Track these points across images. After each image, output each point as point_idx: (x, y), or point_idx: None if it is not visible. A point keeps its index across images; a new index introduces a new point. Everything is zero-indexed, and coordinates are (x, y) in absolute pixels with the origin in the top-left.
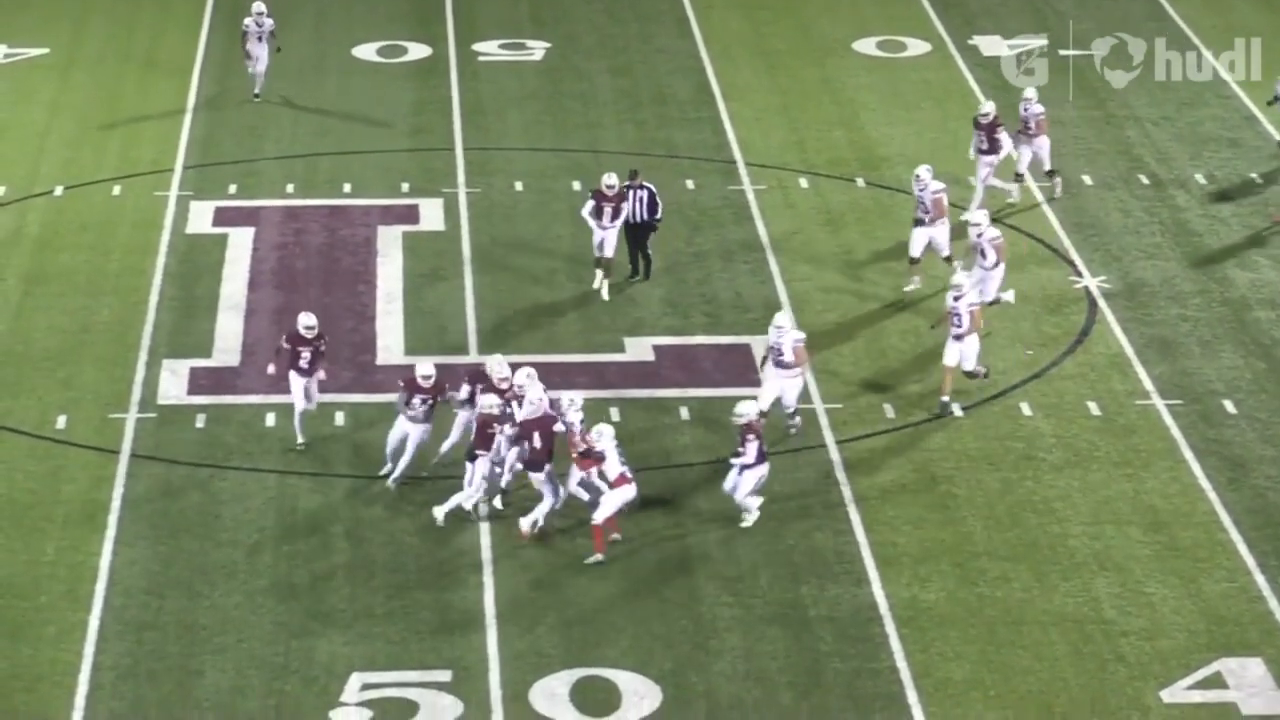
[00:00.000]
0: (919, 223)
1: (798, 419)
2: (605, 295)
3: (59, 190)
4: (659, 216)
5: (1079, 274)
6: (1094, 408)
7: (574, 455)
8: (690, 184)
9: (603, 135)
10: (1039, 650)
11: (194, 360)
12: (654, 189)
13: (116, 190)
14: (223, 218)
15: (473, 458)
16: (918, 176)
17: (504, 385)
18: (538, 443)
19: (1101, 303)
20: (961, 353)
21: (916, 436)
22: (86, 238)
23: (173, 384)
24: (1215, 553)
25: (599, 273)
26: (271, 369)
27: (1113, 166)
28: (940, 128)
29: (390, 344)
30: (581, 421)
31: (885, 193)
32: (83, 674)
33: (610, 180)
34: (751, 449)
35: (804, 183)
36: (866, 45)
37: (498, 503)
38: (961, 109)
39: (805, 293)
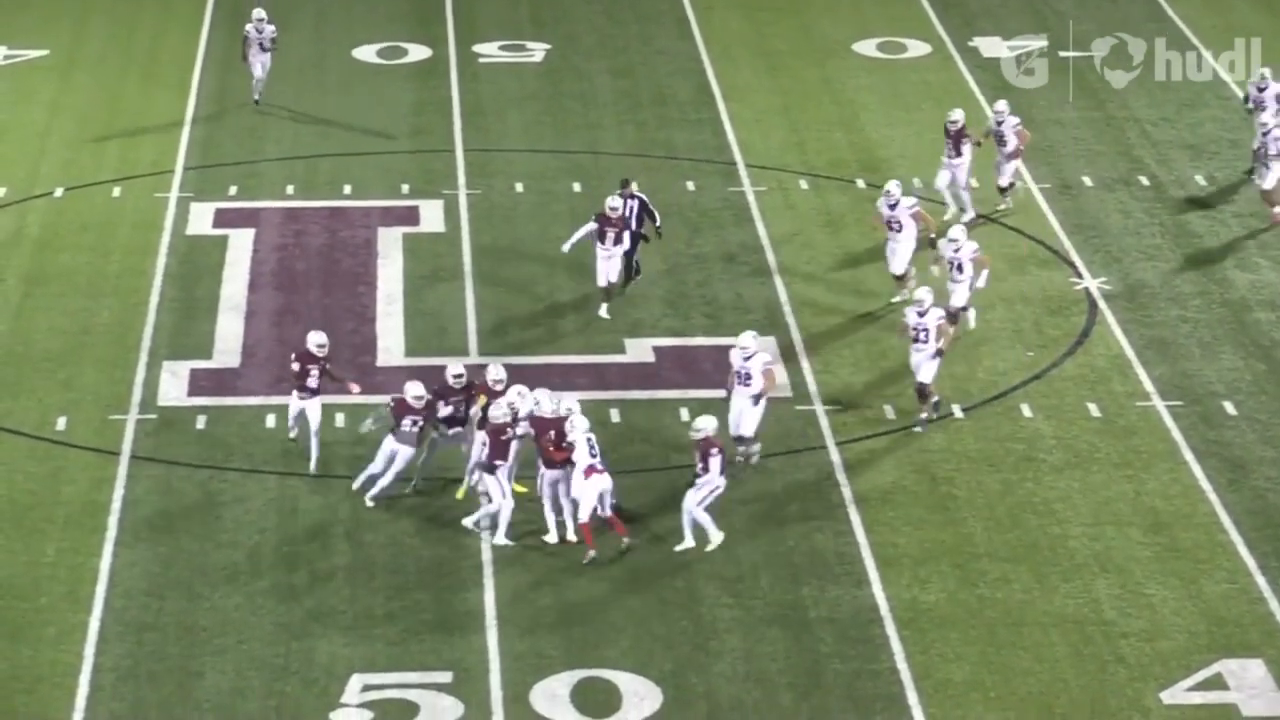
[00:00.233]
0: (891, 240)
1: (757, 447)
2: (606, 315)
3: (59, 191)
4: (658, 225)
5: (1079, 275)
6: (1094, 409)
7: (548, 447)
8: (690, 185)
9: (603, 136)
10: (1039, 651)
11: (194, 362)
12: (646, 199)
13: (117, 191)
14: (223, 219)
15: (492, 469)
16: (888, 192)
17: (498, 388)
18: (550, 442)
19: (1102, 304)
20: (925, 364)
21: (917, 438)
22: (87, 239)
23: (173, 385)
24: (1216, 554)
25: (605, 305)
26: (295, 396)
27: (1113, 168)
28: (940, 129)
29: (390, 345)
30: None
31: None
32: (83, 675)
33: (614, 203)
34: (715, 464)
35: (804, 184)
36: (867, 46)
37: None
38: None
39: (805, 294)
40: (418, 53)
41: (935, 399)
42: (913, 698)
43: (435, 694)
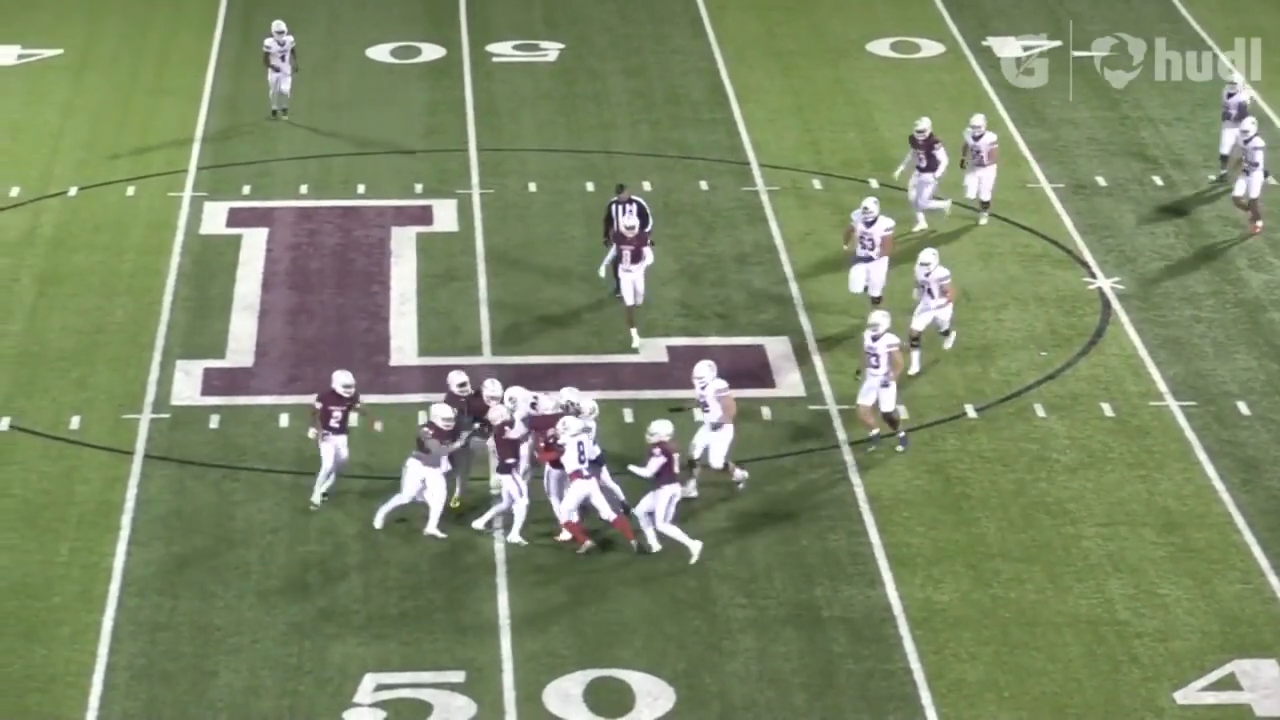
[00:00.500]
0: (861, 258)
1: (739, 474)
2: (638, 344)
3: (73, 191)
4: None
5: (1093, 275)
6: (1108, 409)
7: (539, 447)
8: (704, 185)
9: (616, 136)
10: (1053, 651)
11: (208, 361)
12: (643, 202)
13: (130, 191)
14: (236, 218)
15: (506, 469)
16: (865, 209)
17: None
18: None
19: (1115, 304)
20: (879, 395)
21: (930, 438)
22: (100, 238)
23: (186, 385)
24: (1229, 554)
25: (634, 331)
26: (312, 433)
27: (1126, 168)
28: (954, 129)
29: (404, 345)
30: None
31: (899, 194)
32: (96, 674)
33: (630, 221)
34: (654, 464)
35: (817, 184)
36: (880, 46)
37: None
38: (975, 110)
39: (819, 294)
40: (431, 52)
41: (900, 423)
42: (926, 698)
43: (448, 693)
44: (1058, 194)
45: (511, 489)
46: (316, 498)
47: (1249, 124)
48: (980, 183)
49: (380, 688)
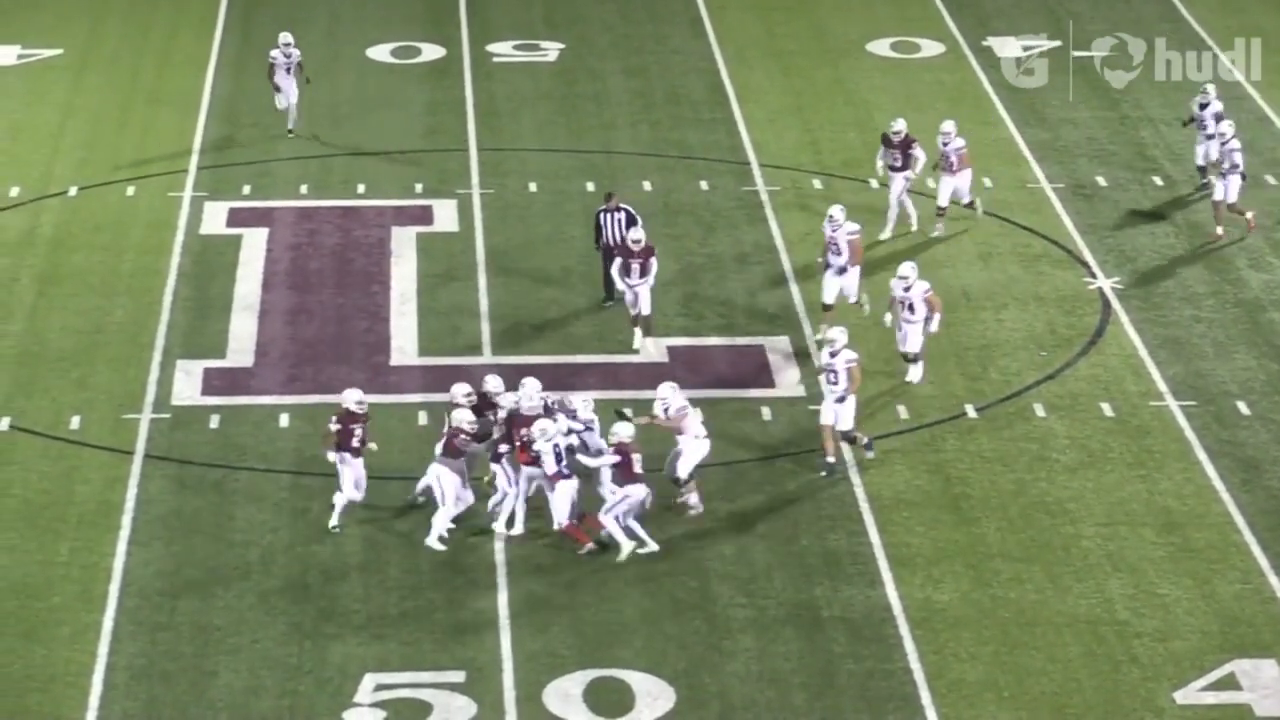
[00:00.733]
0: (831, 266)
1: (694, 496)
2: (639, 347)
3: (73, 190)
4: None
5: (1093, 275)
6: (1107, 409)
7: (516, 445)
8: (704, 185)
9: (617, 136)
10: (1052, 651)
11: (208, 361)
12: (632, 210)
13: (130, 191)
14: (237, 218)
15: (498, 458)
16: (831, 217)
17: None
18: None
19: (1115, 304)
20: (837, 412)
21: (930, 438)
22: (100, 238)
23: (186, 384)
24: (1229, 554)
25: (637, 331)
26: (332, 455)
27: (1126, 168)
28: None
29: (404, 345)
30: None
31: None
32: (96, 675)
33: (636, 235)
34: (604, 459)
35: (818, 184)
36: (880, 46)
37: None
38: (975, 111)
39: (818, 294)
40: (431, 52)
41: (866, 439)
42: (926, 698)
43: (448, 693)
44: (1058, 194)
45: (502, 480)
46: (336, 520)
47: (1226, 127)
48: (956, 190)
49: (380, 688)
